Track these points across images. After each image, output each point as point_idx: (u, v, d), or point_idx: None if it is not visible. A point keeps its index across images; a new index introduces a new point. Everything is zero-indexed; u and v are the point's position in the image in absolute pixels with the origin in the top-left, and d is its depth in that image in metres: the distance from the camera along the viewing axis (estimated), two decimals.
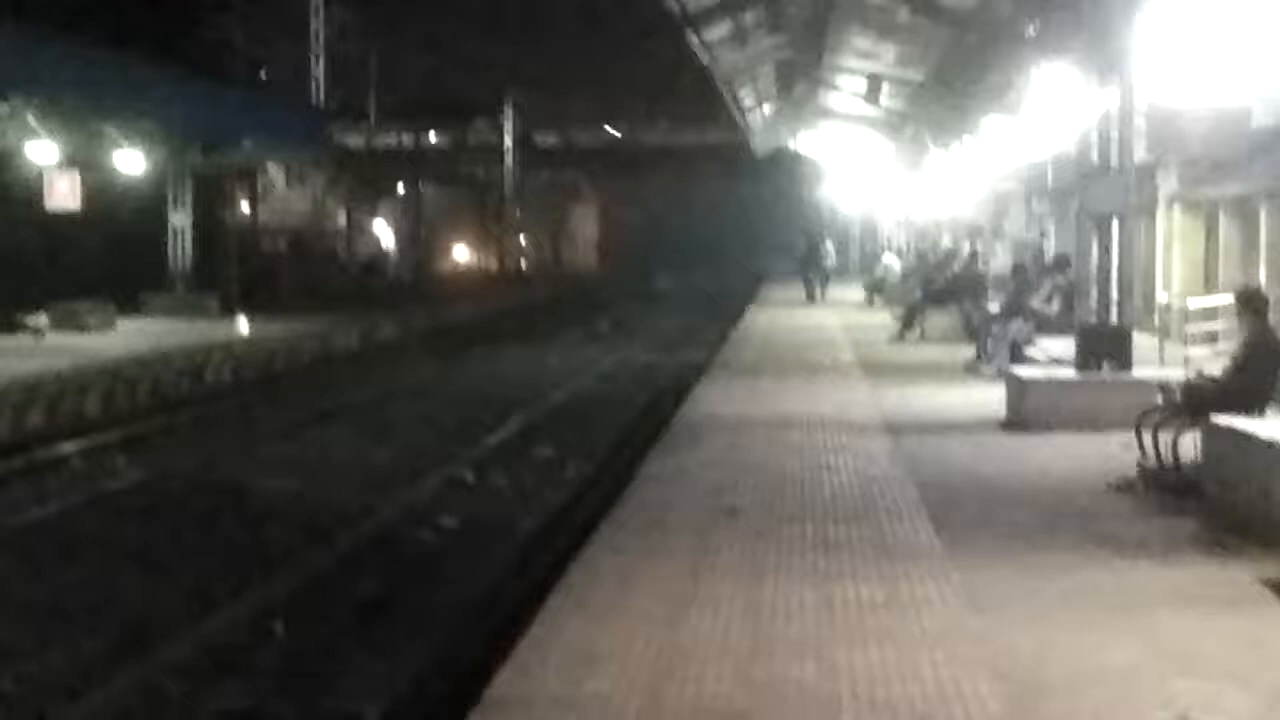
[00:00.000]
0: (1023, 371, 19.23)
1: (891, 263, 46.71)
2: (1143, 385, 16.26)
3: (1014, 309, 25.04)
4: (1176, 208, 29.20)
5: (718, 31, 32.75)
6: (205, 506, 17.66)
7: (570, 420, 25.16)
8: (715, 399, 21.59)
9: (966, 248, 38.41)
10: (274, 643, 12.08)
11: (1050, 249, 34.43)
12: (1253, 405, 12.97)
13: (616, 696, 7.67)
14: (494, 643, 10.39)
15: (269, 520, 16.76)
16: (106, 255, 38.47)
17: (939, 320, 31.58)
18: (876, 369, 25.43)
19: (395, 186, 69.07)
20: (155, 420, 24.50)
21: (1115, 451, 14.58)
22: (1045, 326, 23.03)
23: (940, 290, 32.86)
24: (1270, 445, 11.19)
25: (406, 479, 19.15)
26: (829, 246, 53.35)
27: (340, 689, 10.98)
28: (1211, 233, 28.64)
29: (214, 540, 15.83)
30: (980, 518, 12.40)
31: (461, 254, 63.18)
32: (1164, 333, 25.13)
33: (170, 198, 41.50)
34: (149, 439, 22.81)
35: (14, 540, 15.73)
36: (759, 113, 51.46)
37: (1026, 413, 17.82)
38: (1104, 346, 18.28)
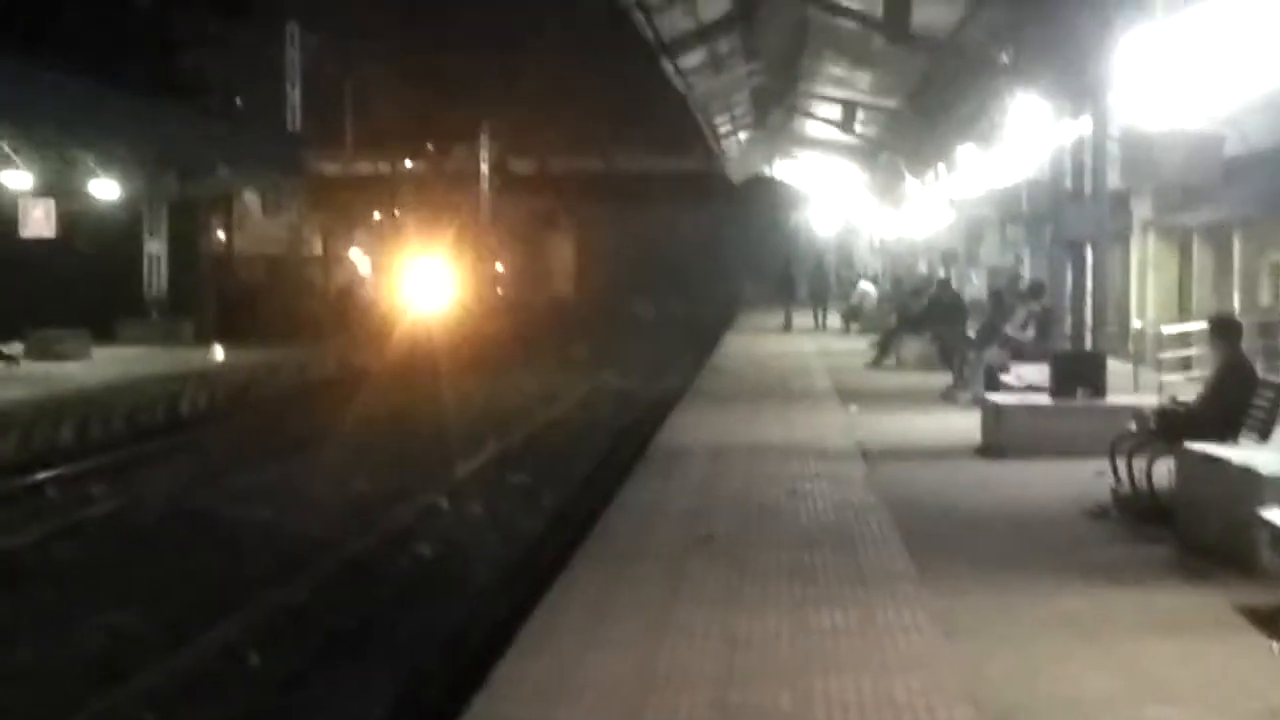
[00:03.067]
0: (998, 398, 19.25)
1: (867, 289, 46.77)
2: (1117, 411, 16.29)
3: (989, 335, 25.08)
4: (1151, 234, 29.31)
5: (693, 59, 32.84)
6: (177, 535, 17.62)
7: (546, 449, 25.10)
8: (691, 427, 21.58)
9: (940, 273, 38.47)
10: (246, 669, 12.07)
11: (1025, 275, 34.52)
12: (1226, 431, 13.00)
13: None
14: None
15: (241, 550, 16.71)
16: (82, 283, 38.36)
17: (915, 347, 31.62)
18: (852, 396, 25.44)
19: (371, 214, 69.02)
20: (128, 449, 24.41)
21: (1090, 478, 14.59)
22: (1020, 353, 23.05)
23: (916, 317, 32.90)
24: (1244, 471, 11.21)
25: (382, 508, 19.06)
26: (798, 275, 53.17)
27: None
28: (1185, 259, 28.75)
29: (185, 570, 15.77)
30: (955, 544, 12.41)
31: (439, 281, 63.18)
32: (1138, 359, 25.21)
33: (146, 225, 41.41)
34: (122, 468, 22.72)
35: None
36: (735, 140, 51.56)
37: (1002, 439, 17.85)
38: (1079, 373, 18.30)
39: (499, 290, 74.59)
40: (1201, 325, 19.68)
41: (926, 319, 32.08)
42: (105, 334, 36.89)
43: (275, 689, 11.71)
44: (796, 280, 51.89)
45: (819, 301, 49.30)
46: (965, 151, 31.56)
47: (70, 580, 15.34)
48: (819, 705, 7.93)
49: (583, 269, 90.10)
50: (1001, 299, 27.58)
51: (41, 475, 21.55)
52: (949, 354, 28.61)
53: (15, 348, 32.14)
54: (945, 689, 8.18)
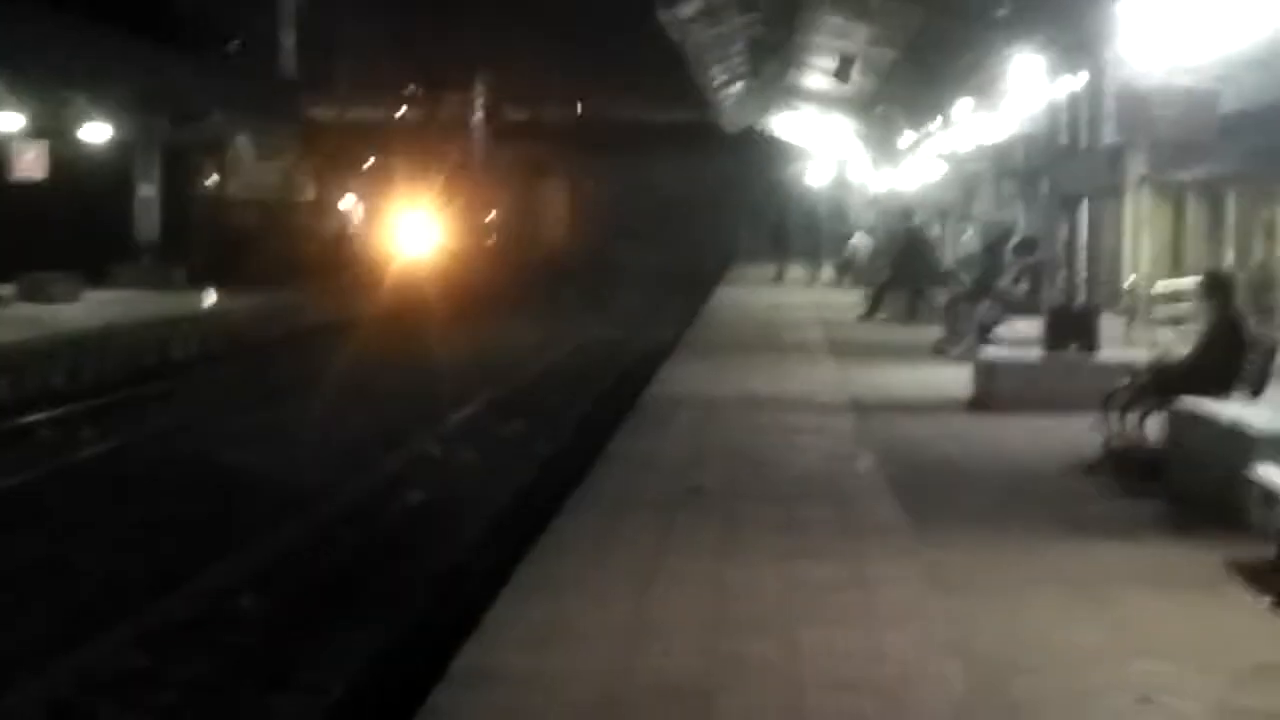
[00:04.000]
0: (990, 352, 19.25)
1: (861, 242, 46.68)
2: (1110, 367, 16.28)
3: (982, 290, 25.06)
4: (1145, 190, 29.26)
5: (689, 8, 32.72)
6: (170, 477, 17.64)
7: (537, 398, 25.07)
8: (683, 378, 21.58)
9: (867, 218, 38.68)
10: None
11: (1018, 229, 34.54)
12: (1218, 387, 13.00)
13: (581, 673, 7.67)
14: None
15: (229, 493, 16.71)
16: (73, 226, 38.26)
17: (907, 301, 31.57)
18: (844, 349, 25.45)
19: (364, 160, 68.82)
20: (119, 392, 24.40)
21: (1081, 432, 14.59)
22: (1013, 308, 23.05)
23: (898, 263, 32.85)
24: (1235, 428, 11.24)
25: (378, 453, 19.05)
26: (792, 227, 52.94)
27: None
28: (1179, 215, 28.71)
29: (177, 515, 15.78)
30: (946, 498, 12.44)
31: (431, 229, 63.09)
32: (1131, 314, 25.19)
33: (138, 169, 41.29)
34: (113, 410, 22.71)
35: None
36: (730, 91, 51.43)
37: (993, 393, 17.86)
38: (1071, 328, 18.30)
39: (491, 239, 74.49)
40: (1195, 281, 19.67)
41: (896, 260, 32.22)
42: (96, 277, 36.81)
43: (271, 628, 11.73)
44: (790, 232, 51.70)
45: (812, 254, 49.20)
46: (961, 105, 31.53)
47: (62, 523, 15.33)
48: (808, 656, 7.95)
49: (576, 218, 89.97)
50: (995, 253, 27.57)
51: (33, 417, 21.55)
52: (917, 308, 29.81)
53: (6, 290, 32.08)
54: (934, 642, 8.20)
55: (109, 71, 35.23)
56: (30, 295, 32.46)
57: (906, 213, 37.24)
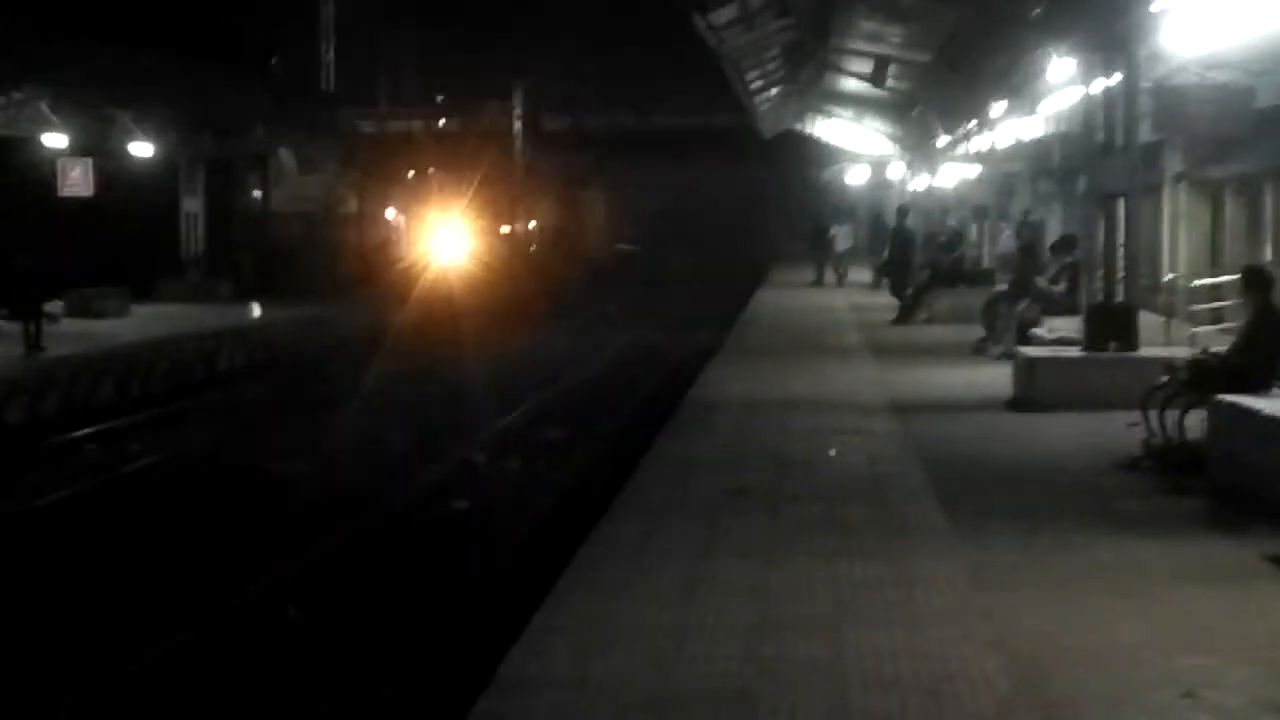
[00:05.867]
0: (1030, 351, 19.30)
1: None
2: (1149, 364, 16.31)
3: (1021, 289, 25.08)
4: (1182, 187, 29.25)
5: (724, 14, 32.76)
6: (216, 490, 17.81)
7: (581, 403, 25.18)
8: (724, 381, 21.68)
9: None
10: None
11: (1014, 224, 34.76)
12: (1258, 383, 13.03)
13: (627, 676, 7.77)
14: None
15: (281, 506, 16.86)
16: (120, 242, 38.58)
17: (946, 301, 31.59)
18: (884, 350, 25.50)
19: (405, 172, 69.05)
20: (169, 405, 24.63)
21: (1122, 430, 14.62)
22: (1052, 307, 23.05)
23: (947, 272, 32.90)
24: (1275, 422, 11.28)
25: (425, 459, 19.19)
26: (840, 229, 52.74)
27: None
28: (1217, 212, 28.68)
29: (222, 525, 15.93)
30: (987, 496, 12.51)
31: (472, 239, 63.26)
32: (1170, 312, 25.17)
33: (183, 184, 41.60)
34: (163, 423, 22.93)
35: (28, 523, 15.92)
36: (766, 96, 51.42)
37: (1033, 392, 17.91)
38: (1111, 326, 18.32)
39: (532, 248, 74.67)
40: (1233, 277, 19.67)
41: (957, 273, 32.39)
42: (143, 292, 37.12)
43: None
44: (827, 235, 51.43)
45: (849, 257, 49.35)
46: (997, 105, 31.53)
47: (108, 536, 15.50)
48: (851, 656, 8.04)
49: (614, 226, 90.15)
50: (1033, 252, 27.56)
51: (83, 431, 21.78)
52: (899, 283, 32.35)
53: (55, 305, 32.37)
54: (977, 640, 8.28)
55: (153, 88, 35.51)
56: (79, 311, 32.72)
57: (901, 210, 37.50)
